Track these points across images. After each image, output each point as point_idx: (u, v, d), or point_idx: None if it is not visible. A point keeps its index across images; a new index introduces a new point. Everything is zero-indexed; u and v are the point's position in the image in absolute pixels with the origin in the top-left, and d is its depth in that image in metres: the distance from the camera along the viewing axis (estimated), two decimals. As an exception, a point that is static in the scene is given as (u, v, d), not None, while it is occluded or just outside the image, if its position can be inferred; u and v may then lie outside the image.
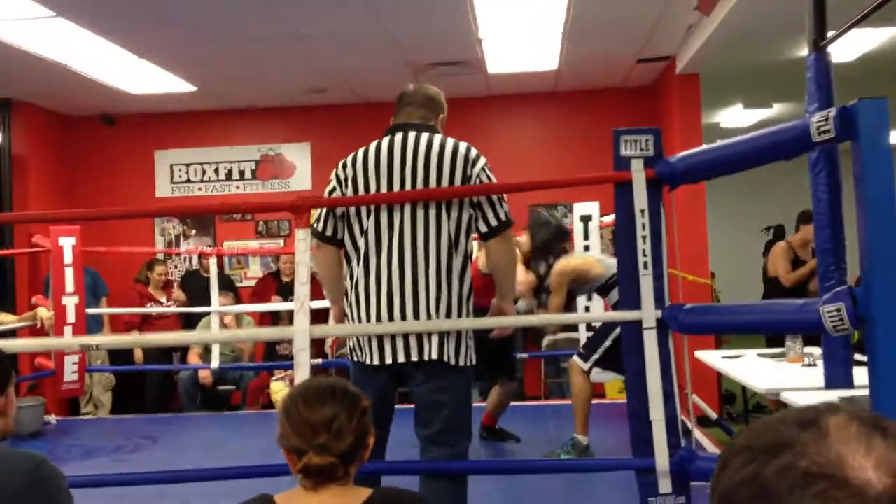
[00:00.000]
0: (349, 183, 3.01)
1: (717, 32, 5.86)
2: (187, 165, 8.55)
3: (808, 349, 4.63)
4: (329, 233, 3.03)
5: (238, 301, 7.60)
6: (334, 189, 3.06)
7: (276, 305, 6.93)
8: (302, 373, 2.94)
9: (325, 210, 3.05)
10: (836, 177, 3.55)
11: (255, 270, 8.48)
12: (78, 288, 6.06)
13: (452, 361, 2.88)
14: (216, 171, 8.54)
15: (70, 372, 6.06)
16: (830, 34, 3.55)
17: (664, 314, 2.87)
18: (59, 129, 8.37)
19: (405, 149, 2.99)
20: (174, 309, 7.32)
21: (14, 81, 6.99)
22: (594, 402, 6.68)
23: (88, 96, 7.63)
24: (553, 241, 5.08)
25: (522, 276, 5.05)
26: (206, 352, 6.99)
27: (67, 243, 6.05)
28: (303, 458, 1.66)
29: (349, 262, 3.00)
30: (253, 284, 8.11)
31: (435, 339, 2.85)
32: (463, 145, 3.02)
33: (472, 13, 5.63)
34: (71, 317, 5.94)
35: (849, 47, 6.55)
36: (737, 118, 9.94)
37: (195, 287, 7.55)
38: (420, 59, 6.89)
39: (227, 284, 7.61)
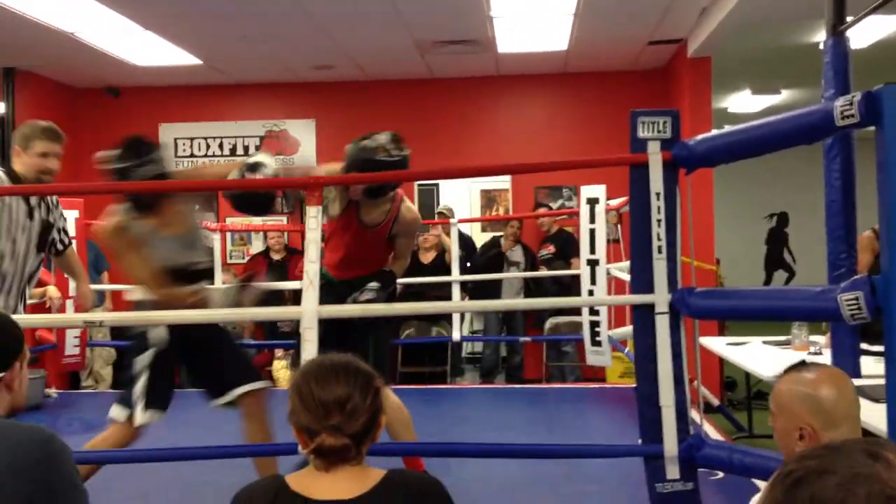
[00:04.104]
0: None
1: (731, 16, 5.79)
2: (191, 139, 8.49)
3: (813, 337, 4.61)
4: None
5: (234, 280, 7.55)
6: None
7: (281, 284, 6.89)
8: (309, 351, 2.91)
9: None
10: (850, 163, 3.52)
11: (259, 247, 8.43)
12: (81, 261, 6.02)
13: None
14: (220, 146, 8.48)
15: (71, 346, 6.03)
16: (849, 19, 3.51)
17: (675, 298, 2.83)
18: (63, 100, 8.30)
19: None
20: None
21: (19, 50, 6.92)
22: (596, 385, 6.70)
23: (93, 67, 7.56)
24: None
25: None
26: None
27: (70, 216, 5.99)
28: (315, 437, 1.61)
29: None
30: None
31: None
32: None
33: (485, -10, 5.57)
34: (73, 290, 5.89)
35: (863, 34, 6.48)
36: (745, 104, 9.87)
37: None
38: (428, 36, 6.82)
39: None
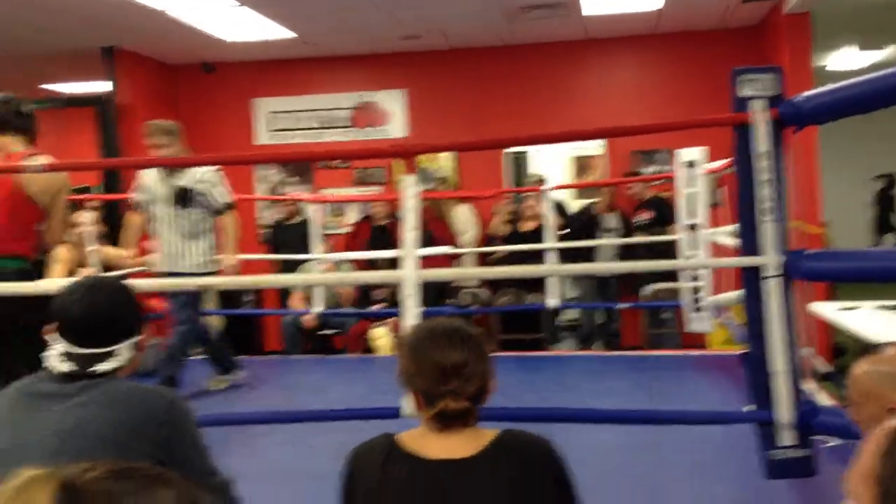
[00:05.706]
0: None
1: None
2: (285, 113, 8.62)
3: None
4: None
5: (331, 250, 7.69)
6: None
7: (376, 253, 6.98)
8: (410, 318, 2.93)
9: None
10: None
11: (353, 218, 8.54)
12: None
13: None
14: (313, 119, 8.59)
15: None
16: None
17: (786, 260, 2.75)
18: (161, 77, 8.51)
19: None
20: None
21: (116, 29, 7.10)
22: (696, 352, 6.59)
23: (187, 44, 7.72)
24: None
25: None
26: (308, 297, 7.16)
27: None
28: (435, 402, 1.65)
29: None
30: (344, 232, 8.27)
31: None
32: None
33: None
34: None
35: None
36: (845, 61, 9.45)
37: (285, 236, 7.71)
38: (515, 2, 6.74)
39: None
